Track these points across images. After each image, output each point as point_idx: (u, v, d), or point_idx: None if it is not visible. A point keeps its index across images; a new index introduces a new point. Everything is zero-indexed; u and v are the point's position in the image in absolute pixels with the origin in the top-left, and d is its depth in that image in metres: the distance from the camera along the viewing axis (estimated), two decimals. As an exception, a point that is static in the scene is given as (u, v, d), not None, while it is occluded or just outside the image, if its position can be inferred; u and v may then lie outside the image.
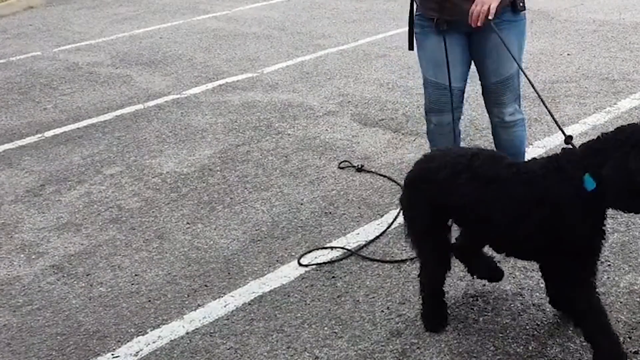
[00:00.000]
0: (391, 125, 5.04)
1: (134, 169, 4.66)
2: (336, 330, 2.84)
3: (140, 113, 5.77)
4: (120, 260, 3.55)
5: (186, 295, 3.20)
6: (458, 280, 3.08)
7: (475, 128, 4.77)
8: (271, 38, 7.99)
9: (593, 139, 2.37)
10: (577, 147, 2.43)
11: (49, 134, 5.47)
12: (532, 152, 4.24)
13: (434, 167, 2.59)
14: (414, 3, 3.41)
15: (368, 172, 4.29)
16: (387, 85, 5.92)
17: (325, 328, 2.87)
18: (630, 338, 2.62)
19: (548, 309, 2.82)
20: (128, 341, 2.92)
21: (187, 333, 2.93)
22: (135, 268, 3.47)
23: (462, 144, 3.89)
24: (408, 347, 2.70)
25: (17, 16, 10.60)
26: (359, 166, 4.34)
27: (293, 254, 3.45)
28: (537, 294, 2.93)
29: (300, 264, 3.34)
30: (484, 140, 4.50)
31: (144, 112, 5.80)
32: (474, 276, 2.98)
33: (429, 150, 3.52)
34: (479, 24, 3.06)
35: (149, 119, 5.60)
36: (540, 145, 4.45)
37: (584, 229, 2.36)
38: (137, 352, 2.84)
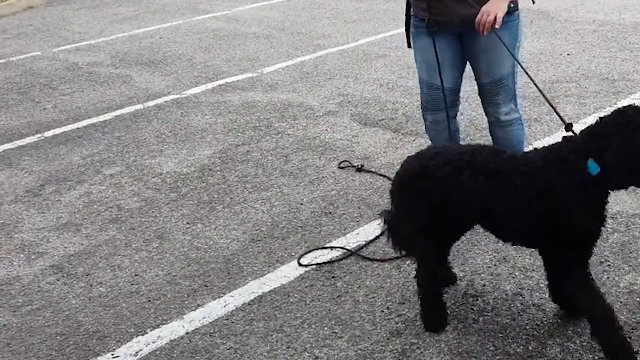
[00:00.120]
0: (391, 125, 5.03)
1: (133, 169, 4.66)
2: (336, 330, 2.84)
3: (140, 113, 5.77)
4: (120, 260, 3.55)
5: (186, 295, 3.20)
6: (458, 280, 3.07)
7: (475, 128, 4.77)
8: (271, 38, 7.99)
9: (592, 124, 2.42)
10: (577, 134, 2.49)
11: (48, 134, 5.47)
12: (532, 152, 4.23)
13: (434, 164, 2.59)
14: (410, 2, 3.46)
15: (368, 172, 4.29)
16: (387, 85, 5.92)
17: (325, 328, 2.87)
18: (630, 338, 2.61)
19: (548, 309, 2.82)
20: (128, 341, 2.92)
21: (187, 333, 2.93)
22: (135, 268, 3.46)
23: (462, 143, 3.90)
24: (408, 347, 2.70)
25: (17, 16, 10.60)
26: (359, 166, 4.34)
27: (293, 254, 3.45)
28: (537, 294, 2.93)
29: (300, 264, 3.34)
30: (484, 140, 4.50)
31: (144, 112, 5.79)
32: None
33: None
34: (485, 33, 3.10)
35: (148, 119, 5.60)
36: (540, 145, 4.44)
37: (586, 217, 2.41)
38: (136, 352, 2.84)
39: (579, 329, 2.69)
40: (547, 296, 2.84)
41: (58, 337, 2.98)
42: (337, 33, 7.96)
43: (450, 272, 3.04)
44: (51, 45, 8.41)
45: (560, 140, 2.51)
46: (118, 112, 5.82)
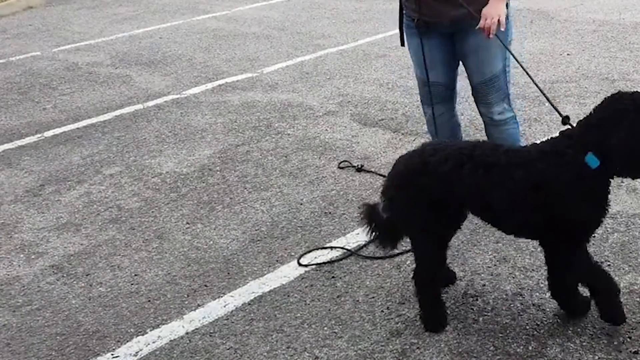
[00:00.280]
0: (391, 125, 5.03)
1: (133, 169, 4.65)
2: (336, 330, 2.84)
3: (140, 113, 5.77)
4: (120, 260, 3.55)
5: (186, 295, 3.19)
6: (457, 280, 3.07)
7: (475, 128, 4.77)
8: (271, 38, 7.99)
9: (588, 115, 2.44)
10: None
11: (48, 134, 5.46)
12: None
13: (435, 160, 2.59)
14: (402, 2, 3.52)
15: (368, 172, 4.28)
16: (387, 85, 5.92)
17: (325, 328, 2.87)
18: (630, 338, 2.62)
19: (548, 309, 2.82)
20: (128, 341, 2.92)
21: (187, 333, 2.93)
22: (135, 268, 3.46)
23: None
24: (408, 347, 2.70)
25: (17, 16, 10.59)
26: (359, 166, 4.33)
27: (293, 254, 3.45)
28: (537, 294, 2.93)
29: (300, 264, 3.34)
30: (483, 139, 4.50)
31: (144, 112, 5.79)
32: None
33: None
34: (491, 36, 3.15)
35: (148, 119, 5.60)
36: (540, 145, 4.44)
37: (585, 210, 2.45)
38: (136, 352, 2.84)
39: (579, 329, 2.69)
40: (547, 296, 2.85)
41: (58, 337, 2.98)
42: (337, 33, 7.96)
43: (449, 271, 3.04)
44: (51, 45, 8.41)
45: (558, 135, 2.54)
46: (118, 112, 5.82)
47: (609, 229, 3.37)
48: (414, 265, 2.80)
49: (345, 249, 3.43)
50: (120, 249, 3.66)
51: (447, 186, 2.56)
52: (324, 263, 3.33)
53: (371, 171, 4.28)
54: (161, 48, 7.87)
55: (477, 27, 3.14)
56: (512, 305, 2.88)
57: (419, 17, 3.35)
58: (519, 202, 2.48)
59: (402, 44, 3.61)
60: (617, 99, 2.38)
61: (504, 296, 2.95)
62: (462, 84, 3.75)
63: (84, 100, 6.22)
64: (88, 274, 3.46)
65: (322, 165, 4.45)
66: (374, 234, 2.88)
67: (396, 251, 3.27)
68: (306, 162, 4.53)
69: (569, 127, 2.55)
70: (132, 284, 3.32)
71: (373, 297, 3.03)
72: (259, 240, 3.62)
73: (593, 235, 2.60)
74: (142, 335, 2.95)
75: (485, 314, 2.85)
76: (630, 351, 2.56)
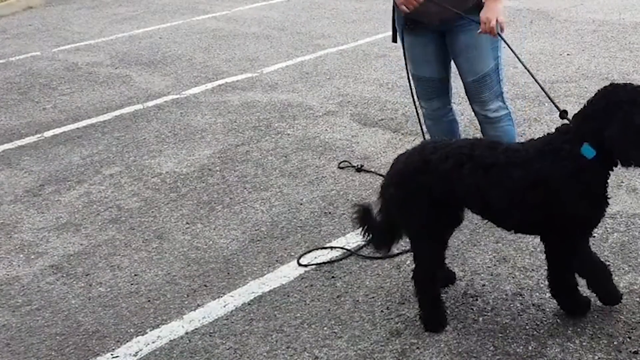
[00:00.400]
0: (391, 125, 5.03)
1: (133, 169, 4.65)
2: (336, 330, 2.84)
3: (140, 113, 5.77)
4: (120, 260, 3.55)
5: (185, 295, 3.19)
6: (457, 280, 3.07)
7: (475, 128, 4.76)
8: (271, 38, 7.99)
9: (582, 108, 2.48)
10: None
11: (48, 134, 5.46)
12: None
13: (436, 158, 2.59)
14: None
15: (368, 172, 4.28)
16: (387, 85, 5.92)
17: (325, 328, 2.86)
18: (630, 338, 2.62)
19: (548, 309, 2.82)
20: (127, 341, 2.92)
21: (187, 333, 2.92)
22: (135, 268, 3.46)
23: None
24: (408, 347, 2.70)
25: (17, 16, 10.59)
26: (359, 166, 4.33)
27: (292, 254, 3.45)
28: (537, 294, 2.93)
29: (299, 264, 3.34)
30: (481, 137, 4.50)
31: (144, 112, 5.79)
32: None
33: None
34: (494, 37, 3.22)
35: (148, 119, 5.60)
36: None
37: (584, 205, 2.47)
38: (136, 352, 2.84)
39: (579, 329, 2.69)
40: (547, 296, 2.85)
41: (57, 337, 2.98)
42: (337, 33, 7.96)
43: (449, 271, 3.04)
44: (51, 46, 8.40)
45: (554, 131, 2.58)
46: (118, 112, 5.82)
47: (608, 229, 3.37)
48: (414, 265, 2.79)
49: (345, 249, 3.43)
50: (120, 249, 3.66)
51: (447, 185, 2.56)
52: (324, 263, 3.33)
53: (371, 171, 4.28)
54: (161, 48, 7.87)
55: (479, 32, 3.22)
56: (511, 305, 2.88)
57: (409, 17, 3.39)
58: (518, 200, 2.49)
59: (394, 40, 3.66)
60: (610, 91, 2.41)
61: (504, 296, 2.95)
62: (461, 84, 3.74)
63: (83, 100, 6.22)
64: (88, 274, 3.46)
65: (322, 165, 4.45)
66: (368, 236, 2.88)
67: (396, 251, 3.28)
68: (306, 162, 4.53)
69: (566, 121, 2.59)
70: (131, 284, 3.32)
71: (373, 297, 3.03)
72: (258, 240, 3.62)
73: (593, 235, 2.60)
74: (142, 335, 2.94)
75: (485, 314, 2.85)
76: (630, 351, 2.56)
